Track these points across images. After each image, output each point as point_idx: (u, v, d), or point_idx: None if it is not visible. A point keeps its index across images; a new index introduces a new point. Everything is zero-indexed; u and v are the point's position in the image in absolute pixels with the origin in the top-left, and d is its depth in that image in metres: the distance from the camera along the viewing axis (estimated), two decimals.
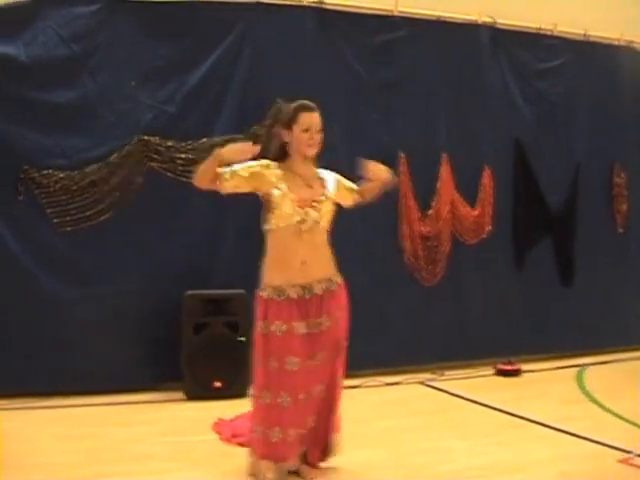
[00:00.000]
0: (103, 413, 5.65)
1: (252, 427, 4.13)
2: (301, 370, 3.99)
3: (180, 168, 6.16)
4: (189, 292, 6.02)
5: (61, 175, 5.99)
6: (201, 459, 4.62)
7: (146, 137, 6.10)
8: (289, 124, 4.06)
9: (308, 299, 4.06)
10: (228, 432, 5.08)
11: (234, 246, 6.35)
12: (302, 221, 4.02)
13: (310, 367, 4.04)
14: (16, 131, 5.90)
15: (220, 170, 3.97)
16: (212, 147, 6.03)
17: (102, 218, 6.08)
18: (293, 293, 4.03)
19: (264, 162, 4.06)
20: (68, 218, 6.03)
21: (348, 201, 4.41)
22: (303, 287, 4.05)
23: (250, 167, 4.02)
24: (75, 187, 6.01)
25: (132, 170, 6.11)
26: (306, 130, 4.05)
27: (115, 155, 6.08)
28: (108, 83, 6.13)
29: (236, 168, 3.98)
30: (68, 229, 6.04)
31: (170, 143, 6.18)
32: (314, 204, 4.08)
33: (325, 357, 4.11)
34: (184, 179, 6.03)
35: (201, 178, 4.02)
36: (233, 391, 5.97)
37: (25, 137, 5.93)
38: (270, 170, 4.06)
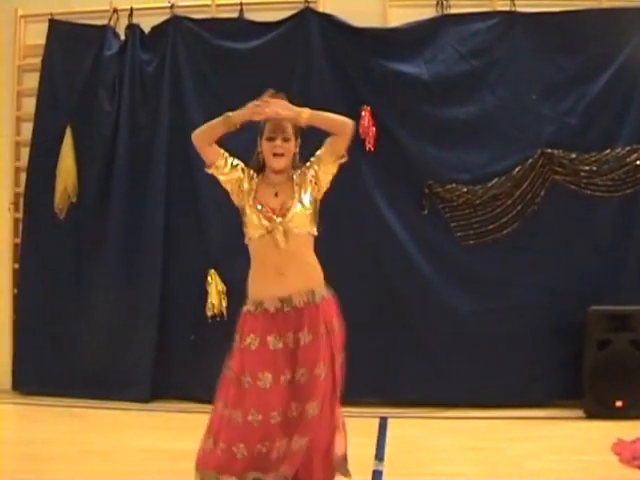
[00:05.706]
0: (500, 427, 5.69)
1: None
2: (274, 388, 3.59)
3: (584, 180, 6.07)
4: (593, 307, 5.86)
5: (464, 189, 6.13)
6: None
7: (549, 150, 6.05)
8: (261, 132, 3.68)
9: (286, 312, 3.65)
10: (628, 454, 4.88)
11: None
12: (271, 231, 3.63)
13: (286, 384, 3.63)
14: (420, 147, 6.13)
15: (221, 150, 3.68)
16: (616, 159, 6.01)
17: (504, 232, 6.13)
18: (270, 306, 3.65)
19: (251, 172, 3.74)
20: (471, 232, 6.16)
21: (330, 169, 3.74)
22: (281, 299, 3.65)
23: (238, 171, 3.71)
24: (478, 201, 6.12)
25: (534, 183, 6.10)
26: (270, 139, 3.64)
27: (518, 169, 6.11)
28: (508, 97, 6.18)
29: (235, 161, 3.69)
30: (471, 242, 6.17)
31: (573, 155, 6.08)
32: (284, 212, 3.66)
33: (307, 374, 3.65)
34: (588, 192, 6.02)
35: (201, 134, 3.68)
36: (635, 411, 5.73)
37: (429, 153, 6.15)
38: (248, 182, 3.73)
